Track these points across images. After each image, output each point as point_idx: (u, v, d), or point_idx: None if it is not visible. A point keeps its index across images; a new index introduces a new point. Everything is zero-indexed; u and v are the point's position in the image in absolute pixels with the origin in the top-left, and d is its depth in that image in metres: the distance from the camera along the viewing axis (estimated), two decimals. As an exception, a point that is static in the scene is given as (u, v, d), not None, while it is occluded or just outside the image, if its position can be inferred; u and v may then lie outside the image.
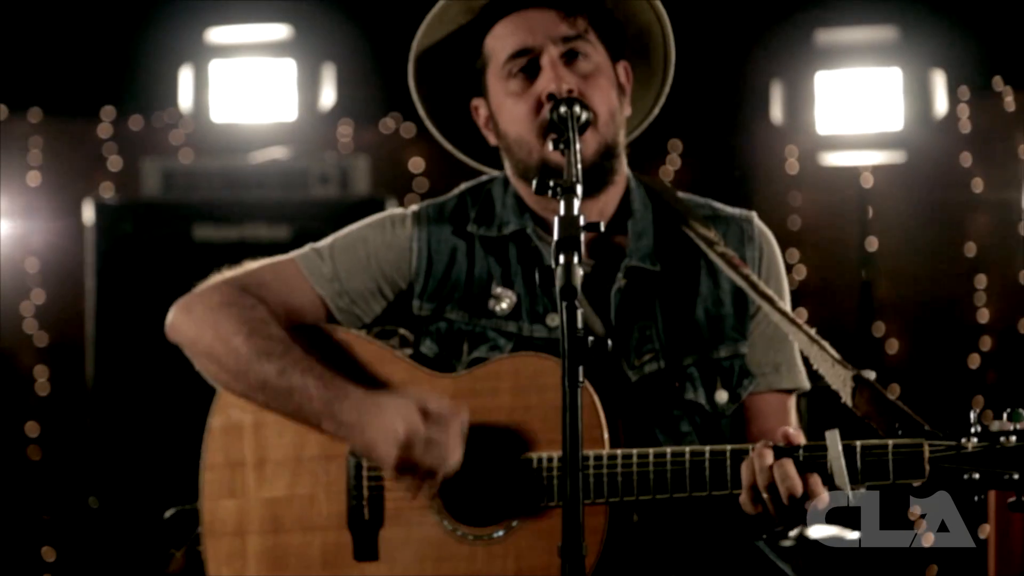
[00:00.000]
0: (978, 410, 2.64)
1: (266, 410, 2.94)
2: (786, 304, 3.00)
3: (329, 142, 6.82)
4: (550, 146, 2.83)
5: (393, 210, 3.13)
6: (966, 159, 6.80)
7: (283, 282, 3.04)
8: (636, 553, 2.86)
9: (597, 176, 2.93)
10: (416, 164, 6.90)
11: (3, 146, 6.82)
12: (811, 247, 6.89)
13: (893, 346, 6.81)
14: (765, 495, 2.65)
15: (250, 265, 3.08)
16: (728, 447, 2.72)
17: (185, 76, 6.45)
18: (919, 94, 6.35)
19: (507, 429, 2.86)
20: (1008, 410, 2.63)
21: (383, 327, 3.10)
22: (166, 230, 5.87)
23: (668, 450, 2.75)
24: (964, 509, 2.76)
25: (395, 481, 2.83)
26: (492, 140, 3.07)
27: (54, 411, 6.82)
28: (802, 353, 2.98)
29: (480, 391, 2.89)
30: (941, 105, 6.42)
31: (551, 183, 2.59)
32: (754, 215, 3.10)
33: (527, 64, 2.95)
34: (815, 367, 2.89)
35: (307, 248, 3.09)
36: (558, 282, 2.37)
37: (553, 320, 2.95)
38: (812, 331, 2.89)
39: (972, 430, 2.62)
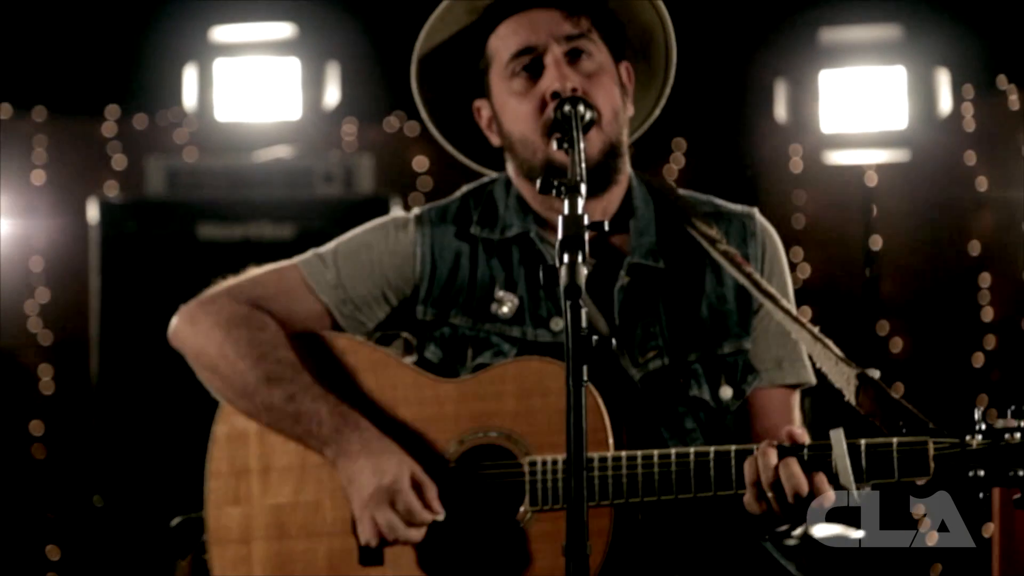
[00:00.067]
0: (982, 408, 2.64)
1: (267, 428, 2.96)
2: (789, 301, 3.00)
3: (333, 141, 6.82)
4: (554, 145, 2.82)
5: (396, 214, 3.13)
6: (970, 158, 6.80)
7: (287, 291, 3.04)
8: (641, 554, 2.86)
9: (601, 176, 2.94)
10: (420, 163, 6.90)
11: (7, 145, 6.82)
12: (815, 245, 6.89)
13: (897, 344, 6.81)
14: (770, 494, 2.65)
15: (253, 272, 3.08)
16: (733, 447, 2.72)
17: (189, 75, 6.45)
18: (923, 93, 6.35)
19: (511, 435, 2.86)
20: (1012, 407, 2.63)
21: (386, 332, 3.10)
22: (170, 229, 5.87)
23: (672, 451, 2.75)
24: (969, 508, 2.76)
25: (358, 519, 2.85)
26: (495, 141, 3.07)
27: (58, 410, 6.82)
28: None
29: (484, 395, 2.90)
30: (945, 104, 6.42)
31: (555, 182, 2.59)
32: (756, 211, 3.11)
33: (531, 63, 2.95)
34: (818, 365, 2.89)
35: (310, 254, 3.09)
36: (562, 281, 2.37)
37: (557, 324, 2.96)
38: (815, 329, 2.89)
39: (976, 427, 2.63)
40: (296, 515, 2.96)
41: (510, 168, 3.07)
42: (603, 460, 2.76)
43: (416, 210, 3.12)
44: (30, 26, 6.70)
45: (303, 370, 2.93)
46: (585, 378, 2.33)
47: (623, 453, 2.76)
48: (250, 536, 2.98)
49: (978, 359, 6.76)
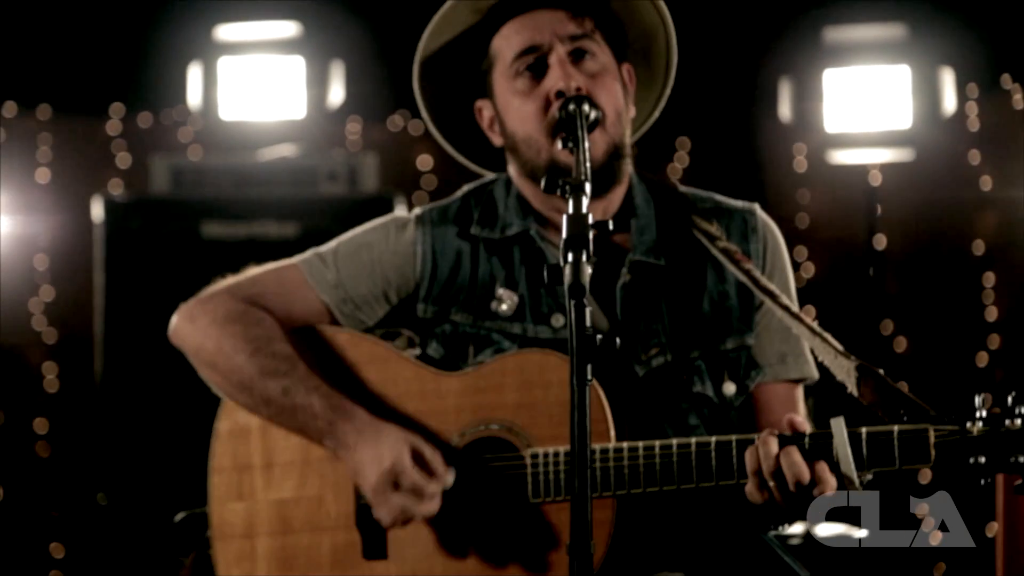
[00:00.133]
0: (983, 395, 2.64)
1: (269, 424, 2.97)
2: (791, 296, 3.02)
3: (337, 139, 6.82)
4: (559, 145, 2.83)
5: (396, 214, 3.15)
6: (975, 157, 6.80)
7: (287, 289, 3.06)
8: (644, 546, 2.87)
9: (606, 177, 2.94)
10: (424, 162, 6.90)
11: (12, 143, 6.83)
12: (819, 245, 6.89)
13: (901, 344, 6.81)
14: (771, 483, 2.65)
15: (253, 271, 3.09)
16: (734, 437, 2.73)
17: (194, 73, 6.45)
18: (928, 92, 6.35)
19: (512, 427, 2.87)
20: (1013, 393, 2.64)
21: (387, 329, 3.11)
22: (175, 227, 5.87)
23: (674, 441, 2.76)
24: (972, 507, 2.76)
25: (373, 505, 2.86)
26: (497, 141, 3.08)
27: (62, 408, 6.83)
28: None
29: (485, 388, 2.90)
30: (950, 103, 6.41)
31: (560, 181, 2.59)
32: (757, 207, 3.11)
33: (535, 62, 2.96)
34: (819, 359, 2.90)
35: (310, 253, 3.10)
36: (567, 280, 2.38)
37: (558, 320, 2.96)
38: (814, 323, 2.90)
39: (977, 414, 2.63)
40: (299, 510, 2.97)
41: (512, 168, 3.08)
42: (604, 451, 2.77)
43: (417, 210, 3.13)
44: (35, 24, 6.71)
45: (299, 362, 2.94)
46: (589, 377, 2.33)
47: (624, 444, 2.77)
48: (254, 531, 2.99)
49: (982, 358, 6.76)
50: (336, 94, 6.52)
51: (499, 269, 3.02)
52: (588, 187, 2.58)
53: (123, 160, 6.90)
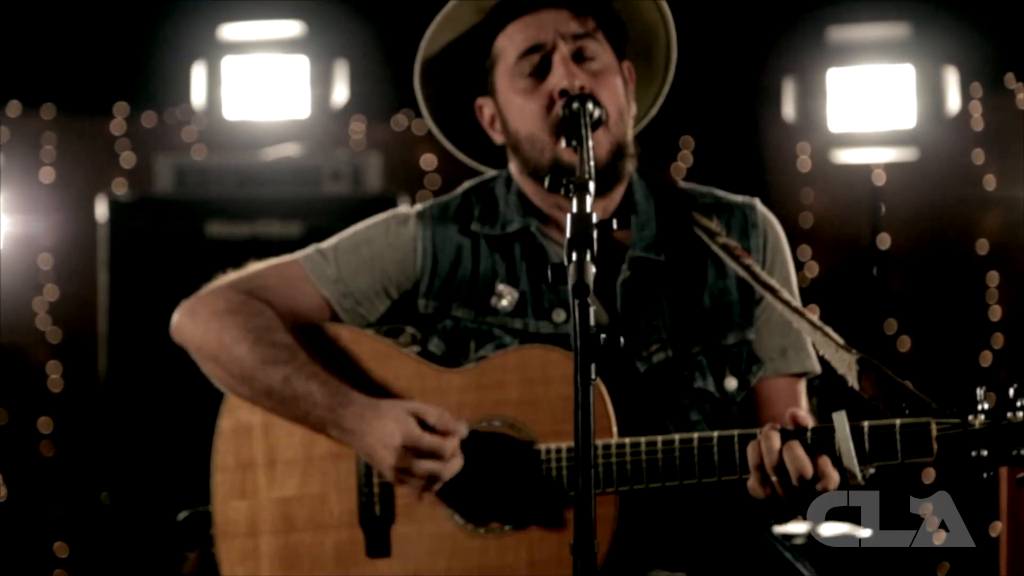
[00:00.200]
0: (985, 389, 2.64)
1: (273, 415, 2.97)
2: (792, 289, 3.03)
3: (341, 139, 6.82)
4: (563, 143, 2.83)
5: (397, 210, 3.14)
6: (978, 156, 6.80)
7: (287, 284, 3.06)
8: (646, 543, 2.87)
9: (609, 175, 2.95)
10: (428, 161, 6.90)
11: (16, 142, 6.83)
12: (823, 244, 6.89)
13: (904, 343, 6.81)
14: (774, 477, 2.65)
15: (254, 267, 3.10)
16: (736, 431, 2.73)
17: (198, 73, 6.46)
18: (932, 91, 6.35)
19: (515, 423, 2.87)
20: (1015, 385, 2.64)
21: (390, 325, 3.11)
22: (179, 226, 5.87)
23: (676, 436, 2.76)
24: (975, 506, 2.76)
25: (396, 486, 2.86)
26: (498, 139, 3.08)
27: (66, 407, 6.83)
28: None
29: (487, 384, 2.91)
30: (954, 102, 6.41)
31: (564, 180, 2.60)
32: (757, 201, 3.12)
33: (539, 61, 2.96)
34: (820, 353, 2.91)
35: (311, 249, 3.10)
36: (571, 279, 2.37)
37: (559, 315, 2.97)
38: (815, 318, 2.90)
39: (978, 408, 2.63)
40: (303, 508, 2.97)
41: (513, 166, 3.08)
42: (607, 447, 2.77)
43: (417, 206, 3.13)
44: (39, 24, 6.71)
45: (299, 351, 2.94)
46: (593, 376, 2.33)
47: (627, 440, 2.77)
48: (257, 529, 2.99)
49: (986, 358, 6.76)
50: (340, 93, 6.52)
51: (500, 265, 3.03)
52: (592, 186, 2.58)
53: (127, 159, 6.91)
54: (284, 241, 5.69)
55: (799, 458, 2.63)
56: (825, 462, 2.63)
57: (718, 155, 6.99)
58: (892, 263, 6.66)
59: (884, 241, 6.56)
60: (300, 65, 6.47)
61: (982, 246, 6.82)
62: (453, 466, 2.82)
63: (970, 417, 2.63)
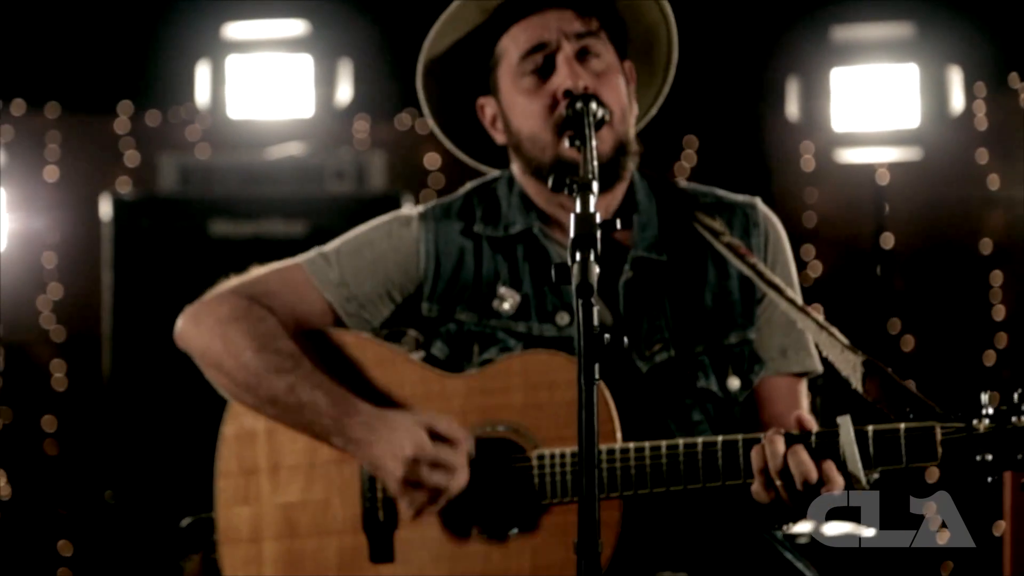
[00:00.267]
0: (989, 392, 2.64)
1: (277, 423, 2.96)
2: (794, 288, 3.02)
3: (345, 138, 6.83)
4: (566, 143, 2.83)
5: (399, 212, 3.13)
6: (982, 156, 6.79)
7: (291, 289, 3.05)
8: (650, 546, 2.87)
9: (611, 174, 2.94)
10: (432, 160, 6.90)
11: (21, 141, 6.84)
12: (827, 243, 6.89)
13: (908, 343, 6.81)
14: (778, 482, 2.65)
15: (257, 271, 3.08)
16: (740, 436, 2.73)
17: (202, 72, 6.46)
18: (935, 91, 6.34)
19: (519, 428, 2.87)
20: (1019, 390, 2.63)
21: (392, 329, 3.10)
22: (182, 225, 5.88)
23: (680, 441, 2.75)
24: (979, 506, 2.76)
25: (401, 498, 2.85)
26: (499, 139, 3.07)
27: (71, 406, 6.84)
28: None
29: (491, 389, 2.90)
30: (957, 102, 6.41)
31: (568, 180, 2.59)
32: (758, 200, 3.11)
33: (542, 61, 2.96)
34: (824, 353, 2.90)
35: (313, 253, 3.09)
36: (575, 280, 2.37)
37: (563, 319, 2.96)
38: (820, 317, 2.89)
39: (983, 412, 2.63)
40: (306, 514, 2.96)
41: (515, 166, 3.08)
42: (611, 452, 2.77)
43: (419, 207, 3.13)
44: (43, 23, 6.72)
45: (303, 359, 2.93)
46: (597, 376, 2.33)
47: (631, 444, 2.77)
48: (260, 535, 2.98)
49: (989, 357, 6.76)
50: (344, 92, 6.52)
51: (503, 266, 3.02)
52: (595, 186, 2.58)
53: (131, 158, 6.91)
54: (288, 240, 5.70)
55: (803, 463, 2.62)
56: (829, 466, 2.63)
57: (722, 155, 6.99)
58: (896, 262, 6.66)
59: (888, 240, 6.56)
60: (304, 64, 6.47)
61: (986, 245, 6.82)
62: (460, 481, 2.82)
63: (974, 421, 2.63)
